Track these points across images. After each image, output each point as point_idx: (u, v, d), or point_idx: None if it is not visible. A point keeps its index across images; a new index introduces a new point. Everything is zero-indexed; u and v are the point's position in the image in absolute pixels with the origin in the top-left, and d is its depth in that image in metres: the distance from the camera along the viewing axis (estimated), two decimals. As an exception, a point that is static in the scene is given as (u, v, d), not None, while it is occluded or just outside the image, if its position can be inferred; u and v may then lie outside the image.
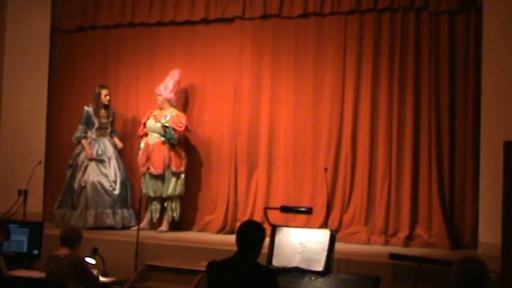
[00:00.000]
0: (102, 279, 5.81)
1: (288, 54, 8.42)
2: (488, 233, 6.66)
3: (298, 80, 8.34)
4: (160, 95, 8.46)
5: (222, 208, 8.53)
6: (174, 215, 8.41)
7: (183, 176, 8.40)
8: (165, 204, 8.41)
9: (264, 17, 8.54)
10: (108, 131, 8.71)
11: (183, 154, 8.43)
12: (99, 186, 8.42)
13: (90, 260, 5.82)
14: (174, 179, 8.34)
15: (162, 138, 8.32)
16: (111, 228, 8.31)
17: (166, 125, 8.27)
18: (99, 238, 7.38)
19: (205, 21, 8.86)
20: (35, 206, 8.90)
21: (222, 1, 8.72)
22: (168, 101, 8.45)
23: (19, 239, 6.75)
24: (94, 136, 8.63)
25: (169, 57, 9.02)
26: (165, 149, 8.32)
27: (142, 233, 7.35)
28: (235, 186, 8.55)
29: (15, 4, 9.22)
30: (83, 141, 8.59)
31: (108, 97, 8.63)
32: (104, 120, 8.66)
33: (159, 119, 8.36)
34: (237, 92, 8.65)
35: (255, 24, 8.62)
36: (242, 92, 8.60)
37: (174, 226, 8.56)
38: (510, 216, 5.78)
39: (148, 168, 8.35)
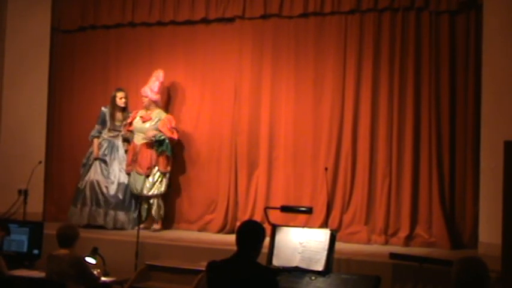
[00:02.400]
0: (103, 278, 5.81)
1: (288, 54, 8.42)
2: (489, 233, 6.67)
3: (298, 79, 8.34)
4: (146, 97, 8.50)
5: (222, 208, 8.54)
6: (161, 212, 8.45)
7: (168, 175, 8.44)
8: (151, 201, 8.42)
9: (264, 16, 8.54)
10: (121, 133, 8.71)
11: (169, 154, 8.45)
12: (96, 185, 8.47)
13: (91, 260, 5.82)
14: (159, 179, 8.37)
15: (149, 140, 8.36)
16: (103, 228, 8.31)
17: (162, 138, 8.31)
18: (99, 238, 7.39)
19: (205, 21, 8.86)
20: (35, 205, 8.90)
21: (222, 1, 8.72)
22: (154, 102, 8.49)
23: (19, 239, 6.75)
24: (106, 136, 8.67)
25: (169, 57, 9.02)
26: (151, 150, 8.37)
27: (142, 233, 7.35)
28: (236, 186, 8.55)
29: (15, 4, 9.22)
30: (94, 141, 8.67)
31: (123, 100, 8.66)
32: (118, 123, 8.68)
33: (146, 120, 8.43)
34: (237, 92, 8.65)
35: (255, 24, 8.62)
36: (242, 92, 8.60)
37: (172, 225, 8.65)
38: (510, 215, 5.78)
39: (133, 168, 8.41)
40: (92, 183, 8.49)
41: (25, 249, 6.75)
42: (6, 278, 5.46)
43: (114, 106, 8.66)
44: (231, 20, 8.75)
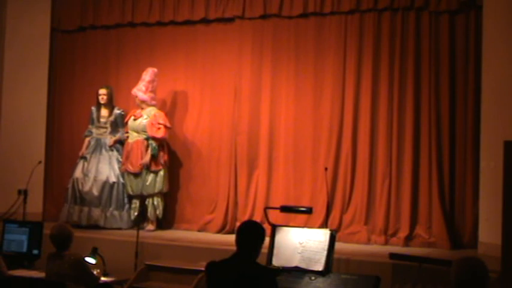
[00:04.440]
0: (102, 278, 5.81)
1: (288, 54, 8.42)
2: (488, 233, 6.66)
3: (298, 79, 8.34)
4: (136, 96, 8.53)
5: (222, 208, 8.54)
6: (157, 212, 8.45)
7: (161, 173, 8.41)
8: (146, 202, 8.43)
9: (264, 16, 8.54)
10: (108, 130, 8.73)
11: (161, 152, 8.44)
12: (75, 182, 8.57)
13: (90, 260, 5.82)
14: (152, 176, 8.37)
15: (141, 137, 8.40)
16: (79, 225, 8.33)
17: (150, 141, 8.36)
18: (99, 238, 7.41)
19: (205, 21, 8.86)
20: (35, 205, 8.91)
21: (222, 1, 8.72)
22: (144, 101, 8.50)
23: (19, 239, 6.74)
24: (94, 135, 8.74)
25: (169, 57, 9.02)
26: (143, 148, 8.39)
27: (142, 233, 7.36)
28: (235, 186, 8.55)
29: (15, 4, 9.22)
30: (85, 140, 8.76)
31: (102, 96, 8.72)
32: (103, 120, 8.72)
33: (138, 118, 8.48)
34: (237, 92, 8.65)
35: (255, 24, 8.62)
36: (242, 92, 8.60)
37: (172, 225, 8.68)
38: (510, 216, 5.78)
39: (126, 167, 8.45)
40: (73, 181, 8.60)
41: (25, 249, 6.73)
42: (6, 278, 5.46)
43: (97, 103, 8.76)
44: (230, 20, 8.75)
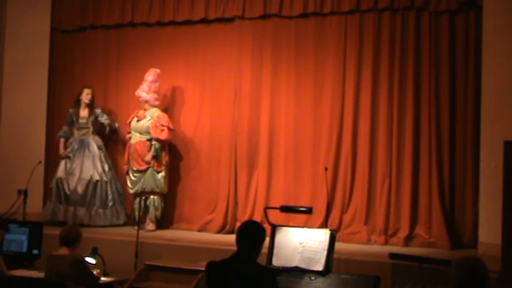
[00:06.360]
0: (102, 278, 5.81)
1: (288, 54, 8.42)
2: (488, 233, 6.66)
3: (298, 79, 8.34)
4: (139, 97, 8.55)
5: (222, 208, 8.54)
6: (157, 213, 8.49)
7: (163, 173, 8.45)
8: (148, 202, 8.45)
9: (264, 16, 8.55)
10: (90, 130, 8.76)
11: (163, 153, 8.47)
12: (59, 182, 8.64)
13: (91, 260, 5.83)
14: (154, 175, 8.41)
15: (143, 138, 8.44)
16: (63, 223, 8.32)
17: (153, 143, 8.40)
18: (99, 238, 7.39)
19: (205, 21, 8.86)
20: (35, 206, 8.89)
21: (222, 1, 8.72)
22: (147, 102, 8.53)
23: (19, 239, 6.75)
24: (77, 136, 8.80)
25: (169, 57, 9.02)
26: (145, 148, 8.43)
27: (142, 233, 7.36)
28: (236, 186, 8.55)
29: (15, 4, 9.22)
30: (60, 140, 8.86)
31: (89, 96, 8.78)
32: (83, 120, 8.77)
33: (141, 119, 8.53)
34: (237, 92, 8.65)
35: (255, 24, 8.62)
36: (242, 92, 8.61)
37: (172, 225, 8.70)
38: (510, 215, 5.78)
39: (130, 166, 8.50)
40: (56, 181, 8.66)
41: (25, 249, 6.74)
42: (6, 278, 5.46)
43: (78, 104, 8.80)
44: (230, 20, 8.75)
